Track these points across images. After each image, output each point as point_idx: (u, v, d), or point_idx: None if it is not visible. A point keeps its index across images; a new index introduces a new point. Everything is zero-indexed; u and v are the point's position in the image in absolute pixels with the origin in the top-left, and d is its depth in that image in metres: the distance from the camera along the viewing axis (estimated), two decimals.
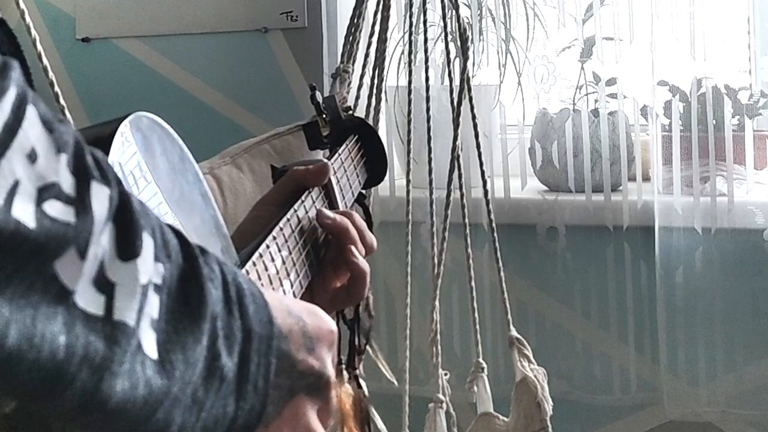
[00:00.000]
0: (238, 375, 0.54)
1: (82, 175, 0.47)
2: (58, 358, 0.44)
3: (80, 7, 2.34)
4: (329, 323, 0.64)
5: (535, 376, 1.62)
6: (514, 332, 1.68)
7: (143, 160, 0.64)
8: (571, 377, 2.07)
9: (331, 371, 0.63)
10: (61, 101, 1.35)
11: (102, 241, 0.47)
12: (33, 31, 1.33)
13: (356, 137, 1.15)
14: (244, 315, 0.55)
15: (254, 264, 0.72)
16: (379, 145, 1.19)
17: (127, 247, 0.48)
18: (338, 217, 0.90)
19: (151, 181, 0.65)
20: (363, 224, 0.93)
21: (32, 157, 0.44)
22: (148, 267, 0.49)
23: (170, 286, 0.51)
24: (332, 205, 0.97)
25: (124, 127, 0.63)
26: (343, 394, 0.89)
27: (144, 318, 0.48)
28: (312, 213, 0.90)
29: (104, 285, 0.47)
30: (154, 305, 0.49)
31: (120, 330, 0.47)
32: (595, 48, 2.09)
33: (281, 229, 0.80)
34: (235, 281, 0.56)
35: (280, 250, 0.78)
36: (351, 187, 1.07)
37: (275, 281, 0.75)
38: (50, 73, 1.33)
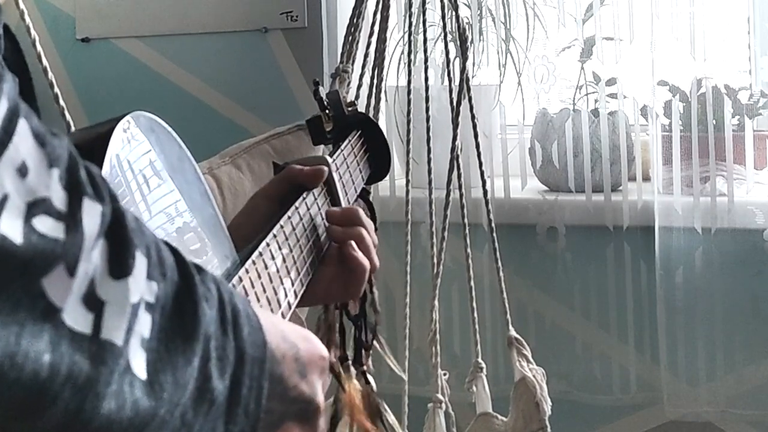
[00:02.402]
0: (228, 398, 0.53)
1: (74, 190, 0.46)
2: (40, 377, 0.43)
3: (80, 7, 2.34)
4: (321, 349, 0.64)
5: (534, 376, 1.62)
6: (513, 332, 1.68)
7: (158, 158, 0.64)
8: (570, 377, 2.07)
9: (321, 398, 0.62)
10: (61, 102, 1.35)
11: (93, 258, 0.46)
12: (33, 32, 1.33)
13: (359, 133, 1.15)
14: (239, 337, 0.54)
15: (254, 262, 0.72)
16: (382, 140, 1.19)
17: (119, 265, 0.47)
18: (346, 209, 0.93)
19: (167, 179, 0.64)
20: (368, 222, 0.93)
21: (23, 171, 0.43)
22: (140, 285, 0.48)
23: (164, 305, 0.50)
24: (335, 201, 0.97)
25: (127, 123, 0.63)
26: (352, 389, 0.89)
27: (133, 337, 0.47)
28: (313, 210, 0.90)
29: (94, 303, 0.46)
30: (145, 324, 0.48)
31: (107, 349, 0.46)
32: (595, 48, 2.09)
33: (282, 227, 0.80)
34: (232, 301, 0.55)
35: (280, 248, 0.78)
36: (354, 183, 1.07)
37: (275, 279, 0.75)
38: (50, 74, 1.33)
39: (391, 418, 1.45)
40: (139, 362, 0.48)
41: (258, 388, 0.55)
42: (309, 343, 0.62)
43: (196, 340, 0.51)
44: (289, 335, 0.60)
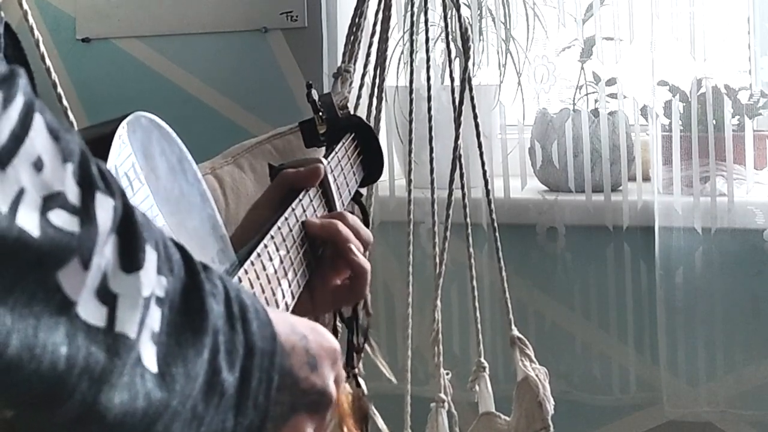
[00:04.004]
0: (238, 390, 0.54)
1: (87, 185, 0.47)
2: (58, 369, 0.44)
3: (80, 7, 2.34)
4: (332, 341, 0.64)
5: (537, 376, 1.62)
6: (515, 332, 1.68)
7: (137, 161, 0.64)
8: (570, 377, 2.07)
9: (333, 390, 0.63)
10: (64, 102, 1.35)
11: (105, 252, 0.47)
12: (36, 33, 1.33)
13: (353, 135, 1.15)
14: (247, 330, 0.55)
15: (252, 264, 0.72)
16: (376, 143, 1.19)
17: (130, 259, 0.48)
18: (324, 222, 0.91)
19: (144, 184, 0.65)
20: (356, 222, 0.93)
21: (38, 165, 0.44)
22: (151, 279, 0.49)
23: (172, 300, 0.51)
24: (329, 203, 0.97)
25: (122, 129, 0.63)
26: (341, 393, 0.89)
27: (145, 330, 0.48)
28: (309, 212, 0.91)
29: (107, 296, 0.47)
30: (155, 318, 0.49)
31: (121, 342, 0.47)
32: (595, 48, 2.09)
33: (279, 228, 0.80)
34: (239, 297, 0.56)
35: (278, 250, 0.78)
36: (348, 186, 1.07)
37: (273, 281, 0.75)
38: (53, 75, 1.34)
39: (379, 422, 1.45)
40: (149, 355, 0.48)
41: (267, 380, 0.56)
42: (319, 335, 0.63)
43: (204, 334, 0.52)
44: (298, 328, 0.61)
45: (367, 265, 0.92)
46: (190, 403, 0.50)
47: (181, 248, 0.54)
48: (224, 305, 0.54)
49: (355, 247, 0.90)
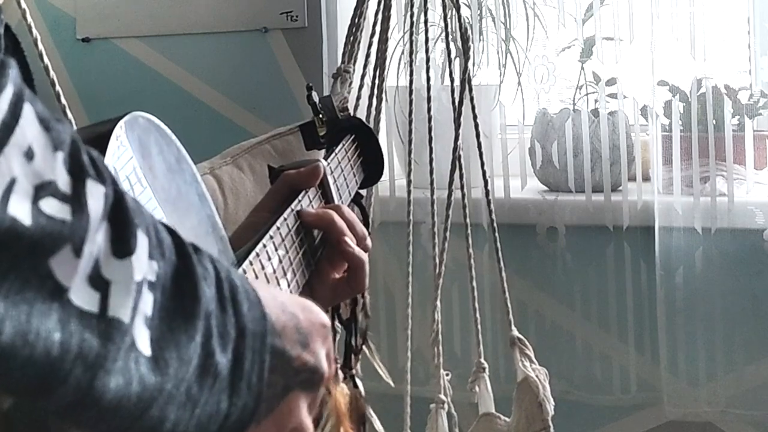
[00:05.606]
0: (231, 372, 0.54)
1: (78, 173, 0.47)
2: (52, 354, 0.44)
3: (80, 7, 2.34)
4: (322, 318, 0.64)
5: (537, 376, 1.62)
6: (515, 332, 1.68)
7: (139, 165, 0.64)
8: (570, 377, 2.07)
9: (325, 366, 0.63)
10: (62, 101, 1.35)
11: (97, 239, 0.47)
12: (34, 31, 1.33)
13: (353, 137, 1.15)
14: (238, 312, 0.55)
15: (251, 263, 0.72)
16: (376, 144, 1.19)
17: (122, 245, 0.49)
18: (320, 212, 0.91)
19: (147, 187, 0.65)
20: (352, 216, 0.93)
21: (29, 155, 0.45)
22: (143, 265, 0.50)
23: (164, 284, 0.51)
24: (329, 204, 0.97)
25: (120, 130, 0.63)
26: (338, 394, 0.89)
27: (138, 315, 0.49)
28: None
29: (99, 282, 0.47)
30: (148, 303, 0.50)
31: (114, 327, 0.47)
32: (595, 48, 2.09)
33: (278, 228, 0.81)
34: (229, 279, 0.56)
35: (276, 250, 0.78)
36: (348, 187, 1.07)
37: (272, 280, 0.75)
38: (51, 73, 1.34)
39: (377, 424, 1.45)
40: (143, 339, 0.49)
41: (260, 362, 0.56)
42: (309, 313, 0.63)
43: (197, 318, 0.52)
44: (288, 306, 0.61)
45: (364, 257, 0.92)
46: (185, 386, 0.51)
47: (172, 232, 0.54)
48: (215, 288, 0.55)
49: (350, 239, 0.91)
